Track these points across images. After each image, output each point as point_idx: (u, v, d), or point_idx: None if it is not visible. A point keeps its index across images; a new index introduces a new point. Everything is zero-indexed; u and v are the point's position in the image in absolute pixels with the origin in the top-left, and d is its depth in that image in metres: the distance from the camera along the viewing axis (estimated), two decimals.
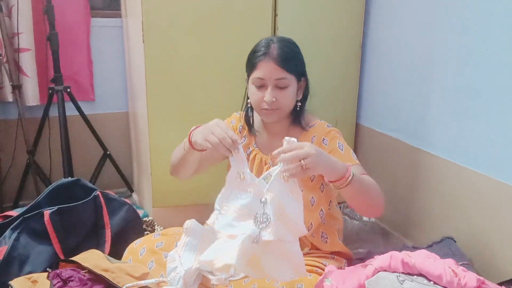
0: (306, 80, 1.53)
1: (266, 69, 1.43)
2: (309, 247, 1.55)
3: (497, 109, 1.62)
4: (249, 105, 1.57)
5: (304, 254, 1.52)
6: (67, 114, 2.30)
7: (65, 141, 2.29)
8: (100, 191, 1.77)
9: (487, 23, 1.64)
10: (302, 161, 1.15)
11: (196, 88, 2.01)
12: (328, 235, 1.55)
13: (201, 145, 1.30)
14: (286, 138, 1.19)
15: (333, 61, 2.26)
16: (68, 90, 2.31)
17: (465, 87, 1.75)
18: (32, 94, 2.38)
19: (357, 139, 2.41)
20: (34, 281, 1.37)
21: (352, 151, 1.48)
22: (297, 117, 1.53)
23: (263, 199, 1.14)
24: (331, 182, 1.27)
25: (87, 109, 2.48)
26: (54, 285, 1.33)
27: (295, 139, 1.19)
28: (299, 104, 1.52)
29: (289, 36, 1.59)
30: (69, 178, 1.83)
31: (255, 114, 1.58)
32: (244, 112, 1.61)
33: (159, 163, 2.04)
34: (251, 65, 1.48)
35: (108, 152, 2.54)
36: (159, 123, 2.01)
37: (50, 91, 2.28)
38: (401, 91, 2.09)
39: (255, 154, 1.58)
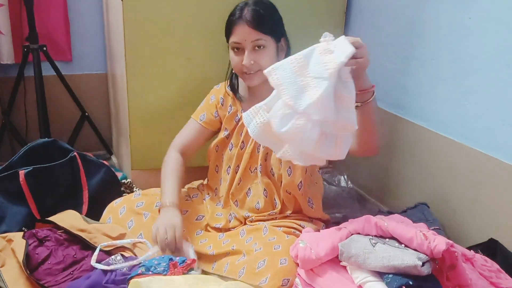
0: (287, 40, 1.53)
1: (241, 32, 1.44)
2: (291, 210, 1.57)
3: (473, 77, 1.64)
4: (233, 72, 1.58)
5: (284, 217, 1.55)
6: (43, 74, 2.24)
7: (41, 102, 2.23)
8: (77, 152, 1.75)
9: None
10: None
11: (177, 49, 1.97)
12: (313, 202, 1.57)
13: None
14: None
15: (316, 28, 2.21)
16: (44, 49, 2.24)
17: (443, 56, 1.75)
18: (6, 52, 2.30)
19: None
20: (10, 240, 1.37)
21: None
22: None
23: None
24: (361, 91, 1.28)
25: (64, 70, 2.40)
26: (30, 244, 1.33)
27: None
28: None
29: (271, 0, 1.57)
30: (46, 139, 1.80)
31: (240, 80, 1.58)
32: (229, 80, 1.61)
33: (138, 126, 2.02)
34: (228, 31, 1.49)
35: (86, 114, 2.49)
36: (138, 86, 1.97)
37: (25, 50, 2.21)
38: (382, 59, 2.09)
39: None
